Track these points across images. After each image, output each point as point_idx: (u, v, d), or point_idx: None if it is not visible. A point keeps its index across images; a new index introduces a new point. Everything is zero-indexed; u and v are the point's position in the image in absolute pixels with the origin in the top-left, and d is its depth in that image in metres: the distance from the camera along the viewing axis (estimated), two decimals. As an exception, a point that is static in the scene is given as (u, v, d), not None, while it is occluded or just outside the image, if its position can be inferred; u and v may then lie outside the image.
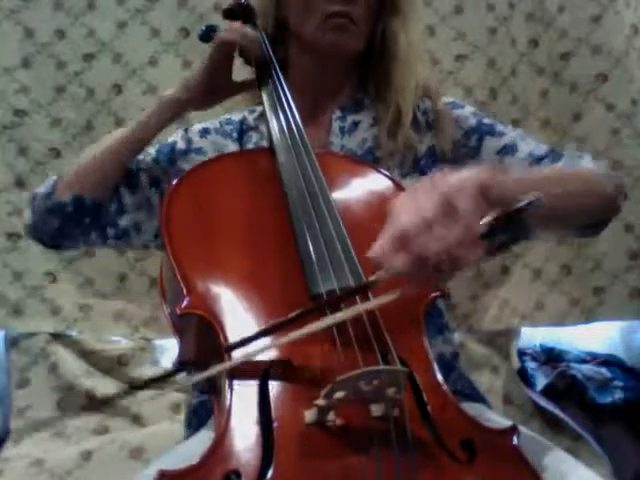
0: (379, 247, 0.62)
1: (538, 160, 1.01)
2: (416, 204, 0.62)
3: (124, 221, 1.05)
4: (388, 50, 1.07)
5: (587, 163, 0.98)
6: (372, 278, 0.66)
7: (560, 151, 1.03)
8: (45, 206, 1.02)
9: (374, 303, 0.70)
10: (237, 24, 1.06)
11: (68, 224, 1.03)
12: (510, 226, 0.62)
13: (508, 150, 1.03)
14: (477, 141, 1.06)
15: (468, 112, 1.10)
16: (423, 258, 0.60)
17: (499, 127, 1.08)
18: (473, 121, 1.08)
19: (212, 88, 1.03)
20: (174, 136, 1.14)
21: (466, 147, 1.06)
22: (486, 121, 1.09)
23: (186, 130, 1.15)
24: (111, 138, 1.05)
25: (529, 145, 1.04)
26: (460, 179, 0.63)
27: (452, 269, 0.61)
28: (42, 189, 1.05)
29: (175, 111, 1.04)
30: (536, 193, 0.63)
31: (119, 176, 1.04)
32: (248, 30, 1.04)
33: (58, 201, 1.01)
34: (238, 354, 0.68)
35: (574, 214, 0.86)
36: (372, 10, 1.05)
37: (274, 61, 1.05)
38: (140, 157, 1.08)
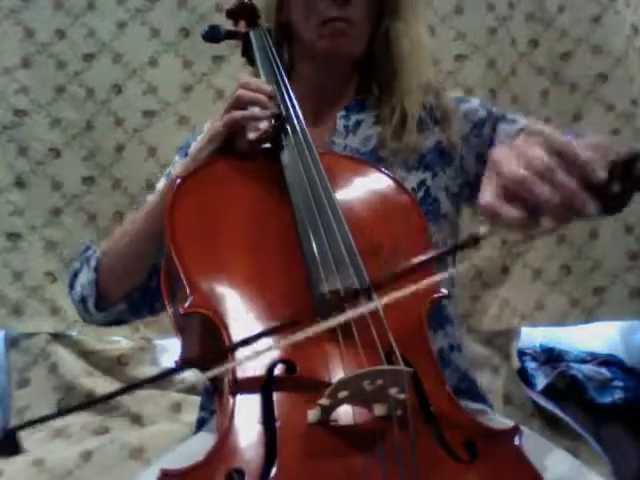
0: (490, 198, 0.59)
1: None
2: (524, 154, 0.59)
3: None
4: (391, 53, 1.06)
5: None
6: (482, 232, 0.61)
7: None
8: (103, 317, 1.04)
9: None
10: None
11: (123, 315, 1.05)
12: (624, 176, 0.60)
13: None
14: (492, 129, 1.06)
15: (476, 104, 1.10)
16: (543, 207, 0.57)
17: (509, 115, 1.08)
18: (483, 112, 1.08)
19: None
20: (176, 166, 1.09)
21: (480, 137, 1.06)
22: (495, 110, 1.09)
23: (186, 155, 1.12)
24: (138, 226, 0.99)
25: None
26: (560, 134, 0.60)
27: (567, 218, 0.58)
28: (87, 292, 1.02)
29: None
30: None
31: (152, 259, 0.99)
32: (251, 96, 0.91)
33: (115, 311, 1.03)
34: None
35: None
36: (371, 12, 1.04)
37: (285, 97, 0.98)
38: None
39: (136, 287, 1.01)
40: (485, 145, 1.05)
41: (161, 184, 1.10)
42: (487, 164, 0.62)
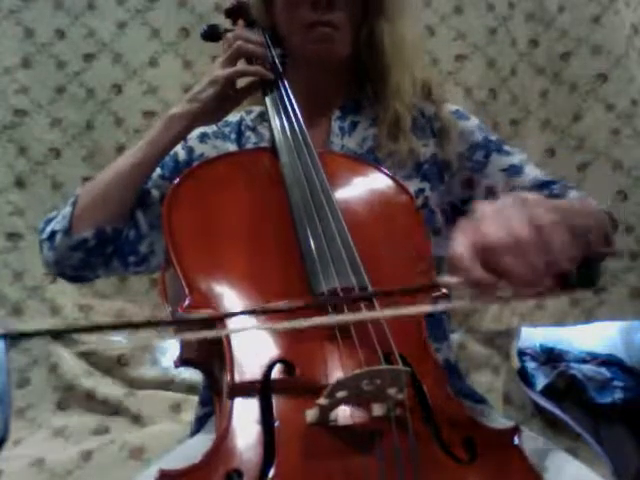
0: (462, 251, 0.59)
1: (544, 185, 1.01)
2: (508, 221, 0.59)
3: (143, 247, 1.02)
4: (377, 52, 1.06)
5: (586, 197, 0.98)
6: (444, 280, 0.63)
7: (565, 182, 1.03)
8: (67, 244, 0.99)
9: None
10: (240, 38, 1.01)
11: (91, 257, 1.00)
12: (584, 269, 0.61)
13: (514, 170, 1.03)
14: (484, 157, 1.06)
15: (473, 125, 1.10)
16: (506, 276, 0.58)
17: (506, 146, 1.08)
18: (479, 136, 1.08)
19: (222, 98, 0.99)
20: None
21: (471, 161, 1.06)
22: (492, 138, 1.09)
23: (185, 139, 1.13)
24: (121, 162, 1.01)
25: (534, 170, 1.04)
26: (549, 209, 0.60)
27: (524, 293, 0.59)
28: (58, 225, 1.00)
29: (186, 125, 0.99)
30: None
31: (135, 199, 1.01)
32: (250, 48, 1.00)
33: (80, 237, 0.98)
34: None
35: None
36: (355, 13, 1.03)
37: (277, 63, 1.04)
38: None
39: (108, 225, 0.99)
40: (473, 171, 1.05)
41: None
42: (470, 215, 0.62)
